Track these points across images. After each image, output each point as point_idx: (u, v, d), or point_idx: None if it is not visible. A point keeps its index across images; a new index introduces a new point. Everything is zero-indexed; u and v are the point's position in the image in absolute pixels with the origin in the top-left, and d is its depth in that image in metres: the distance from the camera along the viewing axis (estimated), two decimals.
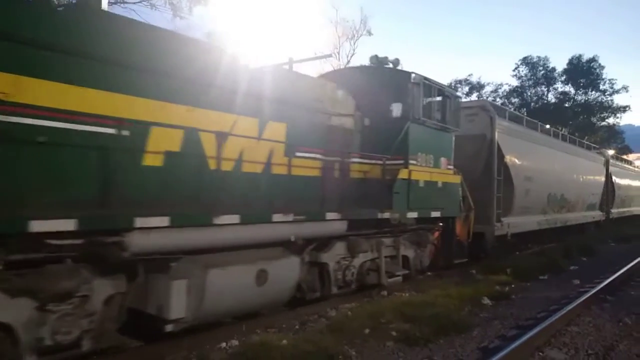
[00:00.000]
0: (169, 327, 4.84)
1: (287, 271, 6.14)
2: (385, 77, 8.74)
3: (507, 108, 12.97)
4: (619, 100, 53.23)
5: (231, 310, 5.68)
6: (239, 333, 5.69)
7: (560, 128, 26.79)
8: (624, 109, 46.99)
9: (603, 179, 21.44)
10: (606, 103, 46.90)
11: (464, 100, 12.60)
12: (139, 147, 4.88)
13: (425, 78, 8.59)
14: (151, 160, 4.99)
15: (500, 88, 48.76)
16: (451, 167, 9.51)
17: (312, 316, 6.64)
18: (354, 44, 31.20)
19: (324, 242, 6.96)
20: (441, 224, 9.50)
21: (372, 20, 60.72)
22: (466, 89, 44.80)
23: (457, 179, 9.74)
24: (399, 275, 8.31)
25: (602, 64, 46.61)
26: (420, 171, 8.43)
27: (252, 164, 6.06)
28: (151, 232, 4.52)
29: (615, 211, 23.60)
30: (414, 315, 6.21)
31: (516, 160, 12.82)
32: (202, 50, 5.87)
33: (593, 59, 46.57)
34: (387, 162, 7.80)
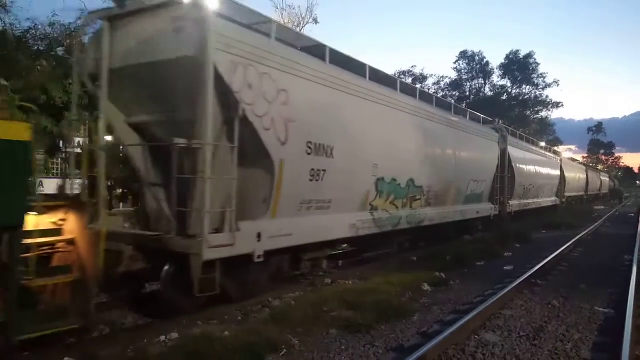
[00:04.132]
0: None
1: None
2: None
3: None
4: (552, 95, 56.27)
5: None
6: (179, 326, 5.54)
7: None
8: (557, 104, 49.94)
9: (497, 161, 16.26)
10: (541, 98, 49.59)
11: None
12: None
13: None
14: None
15: (442, 80, 50.35)
16: None
17: (255, 307, 6.58)
18: (300, 31, 30.93)
19: None
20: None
21: (318, 10, 60.56)
22: (409, 80, 45.73)
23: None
24: None
25: (538, 61, 49.16)
26: None
27: None
28: None
29: (515, 203, 18.46)
30: (356, 303, 6.28)
31: (281, 113, 6.65)
32: None
33: (529, 55, 49.03)
34: None
